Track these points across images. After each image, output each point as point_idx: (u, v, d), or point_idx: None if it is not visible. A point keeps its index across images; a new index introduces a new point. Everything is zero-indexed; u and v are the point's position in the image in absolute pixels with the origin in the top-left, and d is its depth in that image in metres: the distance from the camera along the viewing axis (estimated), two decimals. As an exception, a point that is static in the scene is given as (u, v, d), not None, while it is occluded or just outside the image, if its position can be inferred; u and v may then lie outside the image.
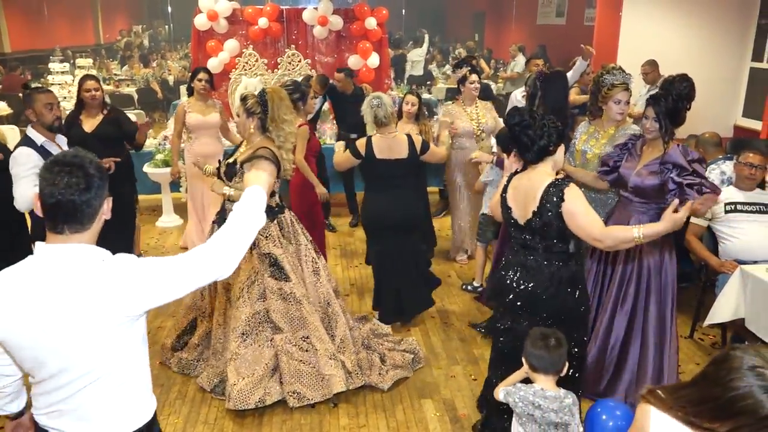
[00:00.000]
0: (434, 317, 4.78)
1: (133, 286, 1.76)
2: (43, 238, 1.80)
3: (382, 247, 4.54)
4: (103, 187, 1.79)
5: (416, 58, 12.91)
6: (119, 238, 4.38)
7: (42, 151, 3.62)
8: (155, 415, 2.00)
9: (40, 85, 4.32)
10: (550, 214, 2.77)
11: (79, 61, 12.15)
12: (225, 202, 3.83)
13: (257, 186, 2.07)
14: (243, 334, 3.69)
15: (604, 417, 2.61)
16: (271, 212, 3.79)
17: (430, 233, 5.77)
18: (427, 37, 14.21)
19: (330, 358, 3.73)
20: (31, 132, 3.67)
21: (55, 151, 3.68)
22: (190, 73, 6.33)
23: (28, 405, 2.06)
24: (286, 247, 3.85)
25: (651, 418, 1.67)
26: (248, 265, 3.77)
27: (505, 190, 3.02)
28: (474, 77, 5.33)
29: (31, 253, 1.80)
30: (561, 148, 2.93)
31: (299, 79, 6.77)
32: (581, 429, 2.59)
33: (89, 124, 4.82)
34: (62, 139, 3.83)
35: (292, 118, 3.74)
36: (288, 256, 3.83)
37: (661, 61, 7.07)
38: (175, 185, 6.87)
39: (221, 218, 3.80)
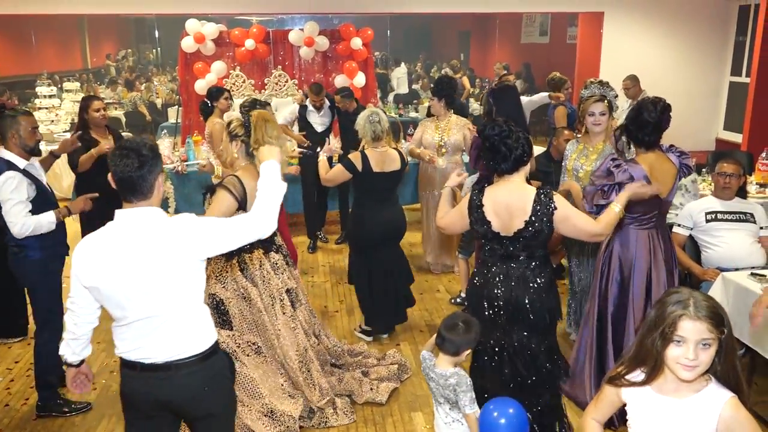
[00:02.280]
0: (423, 331, 4.81)
1: (191, 237, 2.23)
2: None
3: (381, 259, 4.59)
4: (155, 165, 2.25)
5: (399, 75, 13.08)
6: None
7: (27, 174, 3.57)
8: (217, 341, 2.46)
9: (16, 108, 4.30)
10: (543, 222, 2.83)
11: (67, 85, 12.20)
12: None
13: (272, 160, 2.44)
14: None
15: (495, 414, 2.68)
16: (230, 251, 3.67)
17: None
18: (402, 64, 14.41)
19: (265, 414, 3.53)
20: (8, 155, 3.58)
21: (36, 173, 3.67)
22: (177, 95, 6.41)
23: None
24: (242, 290, 3.62)
25: (624, 398, 1.95)
26: None
27: (477, 206, 2.97)
28: (435, 101, 5.57)
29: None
30: (532, 160, 3.05)
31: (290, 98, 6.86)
32: (471, 410, 2.71)
33: (106, 144, 4.80)
34: (35, 160, 3.77)
35: (280, 141, 3.49)
36: (242, 301, 3.62)
37: (643, 76, 7.21)
38: (164, 204, 6.89)
39: None
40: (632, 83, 7.20)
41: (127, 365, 2.36)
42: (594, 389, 3.65)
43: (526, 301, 2.92)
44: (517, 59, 15.31)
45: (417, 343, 4.63)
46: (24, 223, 3.47)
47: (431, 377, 2.85)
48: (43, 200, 3.65)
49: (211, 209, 3.26)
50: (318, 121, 6.49)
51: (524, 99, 6.40)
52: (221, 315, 3.59)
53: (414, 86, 13.73)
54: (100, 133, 4.95)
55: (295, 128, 6.61)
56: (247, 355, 3.64)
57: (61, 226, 3.74)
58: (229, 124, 3.64)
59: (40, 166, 3.84)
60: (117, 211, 2.27)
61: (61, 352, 2.51)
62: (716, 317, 1.74)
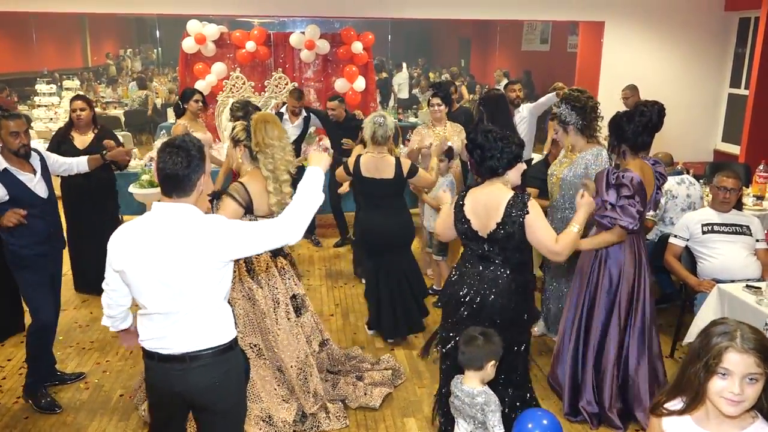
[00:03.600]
0: (417, 336, 4.80)
1: (220, 238, 2.27)
2: None
3: (376, 263, 4.62)
4: (200, 165, 2.33)
5: (401, 81, 13.11)
6: (102, 247, 4.49)
7: (4, 174, 3.60)
8: (236, 338, 2.51)
9: (9, 110, 4.31)
10: (514, 224, 2.93)
11: (67, 83, 12.19)
12: None
13: (318, 167, 2.48)
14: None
15: (530, 425, 2.68)
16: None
17: None
18: (404, 66, 14.46)
19: (263, 419, 3.53)
20: None
21: (18, 174, 3.66)
22: (177, 96, 6.39)
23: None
24: (248, 291, 3.62)
25: (663, 426, 1.84)
26: None
27: (459, 205, 3.12)
28: (435, 100, 5.44)
29: None
30: (519, 167, 3.08)
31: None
32: (501, 430, 2.69)
33: (81, 141, 5.02)
34: (34, 159, 3.79)
35: (283, 142, 3.50)
36: (247, 302, 3.63)
37: (642, 86, 7.21)
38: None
39: None
40: (631, 93, 7.20)
41: (147, 355, 2.44)
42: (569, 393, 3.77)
43: (494, 304, 3.00)
44: (518, 66, 15.35)
45: (411, 348, 4.63)
46: None
47: (457, 395, 2.79)
48: (23, 202, 3.63)
49: (318, 161, 3.28)
50: (291, 131, 6.31)
51: (530, 105, 6.42)
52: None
53: (413, 91, 13.77)
54: (80, 131, 5.09)
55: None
56: (249, 358, 3.63)
57: (44, 228, 3.76)
58: (232, 129, 3.64)
59: (39, 165, 3.84)
60: (155, 204, 2.36)
61: (103, 323, 2.67)
62: (765, 351, 1.65)
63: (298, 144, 6.39)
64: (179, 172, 2.27)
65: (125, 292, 2.50)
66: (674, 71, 8.51)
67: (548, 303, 4.59)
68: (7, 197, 3.59)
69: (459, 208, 3.12)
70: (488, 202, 3.01)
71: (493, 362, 2.73)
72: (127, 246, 2.33)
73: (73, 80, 12.76)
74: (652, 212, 3.76)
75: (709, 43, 8.47)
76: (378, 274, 4.63)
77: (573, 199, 3.99)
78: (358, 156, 4.42)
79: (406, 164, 4.39)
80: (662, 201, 4.87)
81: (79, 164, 4.22)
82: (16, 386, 4.08)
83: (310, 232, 6.95)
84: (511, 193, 2.99)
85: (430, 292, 5.41)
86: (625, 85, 7.24)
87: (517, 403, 3.22)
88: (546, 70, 14.24)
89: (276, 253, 3.72)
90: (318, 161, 2.52)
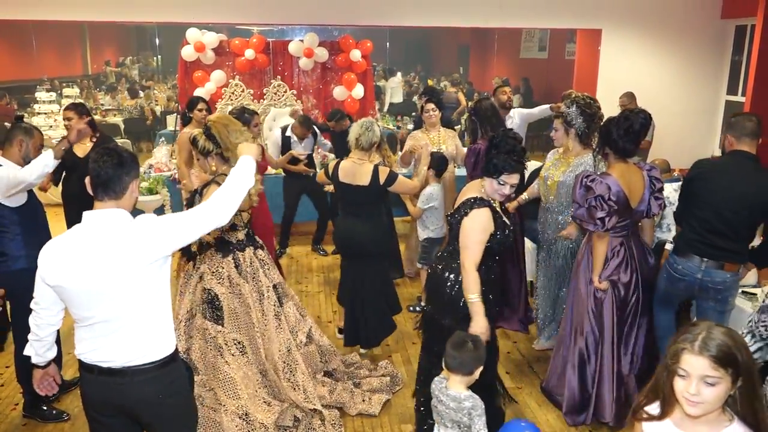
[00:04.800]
0: (416, 343, 4.80)
1: (153, 236, 2.27)
2: None
3: (345, 270, 4.65)
4: (133, 168, 2.36)
5: (393, 85, 13.15)
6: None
7: None
8: (177, 349, 2.50)
9: (28, 125, 4.29)
10: (456, 219, 3.14)
11: (66, 91, 12.22)
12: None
13: (248, 156, 2.55)
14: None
15: None
16: (227, 249, 3.70)
17: (395, 261, 5.88)
18: (399, 74, 14.53)
19: (240, 417, 3.52)
20: (3, 161, 3.62)
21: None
22: (176, 103, 6.41)
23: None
24: (236, 287, 3.67)
25: (644, 430, 1.88)
26: (189, 297, 3.72)
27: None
28: (429, 106, 5.46)
29: None
30: (492, 183, 3.13)
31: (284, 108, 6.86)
32: None
33: (81, 150, 4.97)
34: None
35: (245, 135, 3.53)
36: (235, 298, 3.67)
37: (639, 94, 7.25)
38: (160, 211, 6.89)
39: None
40: (628, 100, 7.24)
41: (85, 368, 2.39)
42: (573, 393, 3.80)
43: (438, 286, 3.24)
44: (516, 74, 15.40)
45: (409, 355, 4.63)
46: (25, 174, 3.53)
47: (441, 400, 2.77)
48: (29, 207, 3.70)
49: (248, 150, 3.30)
50: (302, 150, 6.36)
51: (523, 111, 6.44)
52: (215, 310, 3.65)
53: (414, 98, 13.80)
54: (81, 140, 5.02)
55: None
56: (232, 354, 3.65)
57: (46, 232, 3.76)
58: (194, 141, 3.57)
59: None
60: (84, 213, 2.34)
61: (25, 353, 2.53)
62: (724, 356, 1.66)
63: (310, 159, 6.48)
64: (110, 171, 2.30)
65: (57, 309, 2.42)
66: (671, 79, 8.55)
67: (539, 307, 4.60)
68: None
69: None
70: (463, 193, 3.27)
71: (480, 368, 2.73)
72: (59, 259, 2.27)
73: (72, 88, 12.79)
74: (647, 218, 3.81)
75: (705, 51, 8.51)
76: (346, 280, 4.63)
77: (569, 201, 4.08)
78: (339, 160, 4.45)
79: (384, 172, 4.28)
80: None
81: (45, 158, 3.63)
82: (14, 394, 4.09)
83: (317, 243, 6.97)
84: (473, 195, 3.14)
85: (411, 309, 5.36)
86: (622, 93, 7.28)
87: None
88: (544, 78, 14.29)
89: (256, 246, 3.81)
90: (248, 150, 2.60)
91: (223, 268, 3.67)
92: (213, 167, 3.58)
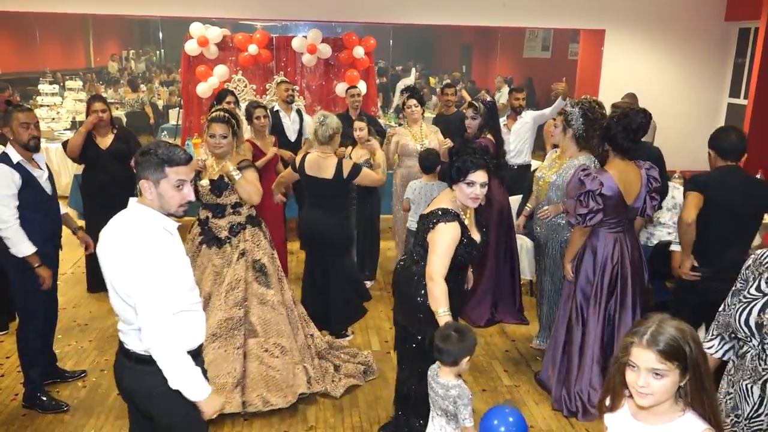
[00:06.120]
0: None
1: (126, 266, 2.27)
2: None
3: (307, 263, 4.77)
4: (142, 170, 2.35)
5: (404, 86, 13.13)
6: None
7: (18, 168, 3.61)
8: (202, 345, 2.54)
9: (21, 104, 4.34)
10: (423, 228, 3.13)
11: (69, 84, 12.22)
12: (207, 218, 4.00)
13: (203, 400, 2.40)
14: (213, 335, 3.77)
15: (495, 422, 2.72)
16: (257, 221, 4.09)
17: (369, 256, 5.90)
18: (413, 70, 14.50)
19: (296, 364, 3.89)
20: (9, 149, 3.66)
21: (31, 169, 3.69)
22: (179, 98, 6.44)
23: None
24: (270, 255, 4.05)
25: (605, 423, 1.97)
26: (232, 272, 3.88)
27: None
28: (411, 102, 5.68)
29: None
30: (463, 188, 3.08)
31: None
32: (470, 424, 2.73)
33: (103, 142, 5.17)
34: (40, 157, 3.82)
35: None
36: (271, 264, 4.03)
37: (642, 95, 7.23)
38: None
39: (205, 229, 4.00)
40: (631, 101, 7.23)
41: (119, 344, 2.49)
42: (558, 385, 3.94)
43: (403, 289, 3.25)
44: (519, 73, 15.40)
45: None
46: (12, 229, 3.54)
47: (433, 387, 2.85)
48: (33, 197, 3.67)
49: (252, 182, 3.87)
50: (290, 127, 6.46)
51: (536, 112, 6.48)
52: (264, 276, 3.98)
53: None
54: (100, 132, 5.19)
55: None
56: (281, 313, 3.98)
57: (49, 226, 3.78)
58: (230, 122, 3.90)
59: (44, 164, 3.86)
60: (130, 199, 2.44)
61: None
62: (671, 350, 1.72)
63: (300, 141, 6.47)
64: (134, 171, 2.43)
65: None
66: (674, 80, 8.55)
67: (542, 306, 4.62)
68: (20, 183, 3.60)
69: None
70: (434, 201, 3.23)
71: (467, 358, 2.76)
72: (101, 235, 2.38)
73: (75, 81, 12.79)
74: (641, 217, 3.91)
75: (709, 53, 8.51)
76: (310, 274, 4.73)
77: (561, 202, 4.16)
78: (306, 154, 4.54)
79: (347, 165, 4.41)
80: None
81: (23, 248, 3.64)
82: (14, 384, 4.11)
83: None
84: (442, 206, 3.09)
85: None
86: (624, 93, 7.27)
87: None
88: (547, 77, 14.25)
89: (255, 223, 4.08)
90: (208, 406, 2.43)
91: (262, 239, 4.04)
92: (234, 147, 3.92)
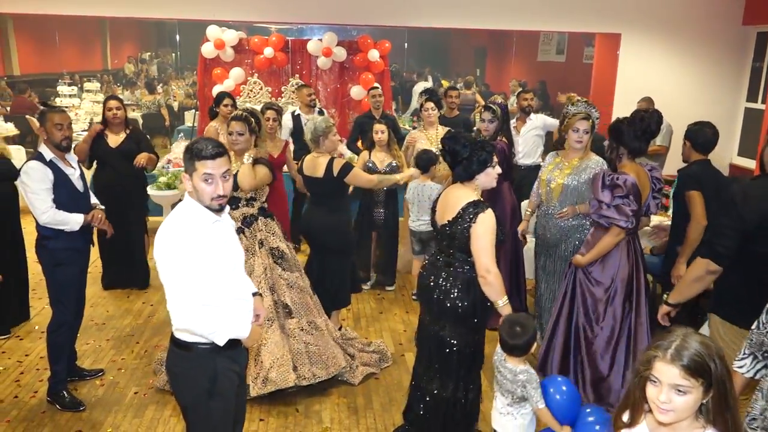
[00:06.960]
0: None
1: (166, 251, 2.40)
2: None
3: (309, 257, 4.82)
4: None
5: (422, 89, 13.18)
6: (130, 244, 5.38)
7: (51, 165, 3.73)
8: (196, 345, 2.53)
9: (55, 105, 4.47)
10: (460, 227, 3.09)
11: (87, 85, 12.38)
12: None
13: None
14: (268, 320, 3.96)
15: (551, 390, 2.86)
16: (268, 212, 4.26)
17: (388, 261, 5.90)
18: (430, 77, 14.55)
19: (332, 339, 4.20)
20: (43, 148, 3.79)
21: (63, 167, 3.79)
22: (195, 99, 6.54)
23: None
24: (286, 243, 4.27)
25: None
26: (259, 260, 4.06)
27: (438, 196, 3.40)
28: (429, 105, 5.74)
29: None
30: (489, 172, 3.19)
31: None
32: (543, 405, 2.79)
33: (114, 140, 5.32)
34: (72, 158, 3.93)
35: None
36: (289, 251, 4.25)
37: (658, 99, 7.22)
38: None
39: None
40: (646, 105, 7.21)
41: None
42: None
43: (434, 294, 3.21)
44: (533, 77, 15.36)
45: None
46: (50, 213, 3.66)
47: (500, 371, 2.93)
48: (66, 196, 3.77)
49: (255, 174, 4.06)
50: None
51: (548, 121, 6.53)
52: (285, 261, 4.18)
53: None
54: (113, 131, 5.35)
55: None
56: (308, 293, 4.25)
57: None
58: (247, 120, 4.13)
59: (76, 164, 3.97)
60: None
61: None
62: (696, 366, 1.66)
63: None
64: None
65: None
66: (690, 84, 8.50)
67: (541, 308, 4.61)
68: (53, 179, 3.71)
69: (436, 198, 3.40)
70: (451, 200, 3.21)
71: (535, 345, 2.88)
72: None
73: (92, 82, 12.94)
74: (645, 217, 3.95)
75: (726, 57, 8.45)
76: (309, 267, 4.74)
77: (581, 203, 4.16)
78: (306, 154, 4.64)
79: (338, 164, 4.39)
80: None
81: (70, 219, 3.79)
82: (34, 381, 4.16)
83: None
84: (472, 198, 3.12)
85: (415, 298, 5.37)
86: (640, 98, 7.25)
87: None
88: (561, 81, 14.23)
89: (266, 215, 4.25)
90: (251, 340, 2.70)
91: (276, 228, 4.24)
92: (252, 144, 4.14)
